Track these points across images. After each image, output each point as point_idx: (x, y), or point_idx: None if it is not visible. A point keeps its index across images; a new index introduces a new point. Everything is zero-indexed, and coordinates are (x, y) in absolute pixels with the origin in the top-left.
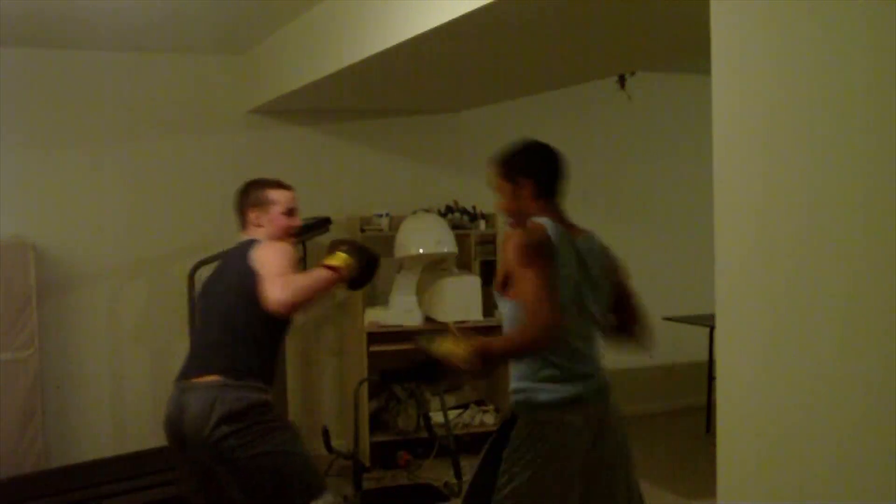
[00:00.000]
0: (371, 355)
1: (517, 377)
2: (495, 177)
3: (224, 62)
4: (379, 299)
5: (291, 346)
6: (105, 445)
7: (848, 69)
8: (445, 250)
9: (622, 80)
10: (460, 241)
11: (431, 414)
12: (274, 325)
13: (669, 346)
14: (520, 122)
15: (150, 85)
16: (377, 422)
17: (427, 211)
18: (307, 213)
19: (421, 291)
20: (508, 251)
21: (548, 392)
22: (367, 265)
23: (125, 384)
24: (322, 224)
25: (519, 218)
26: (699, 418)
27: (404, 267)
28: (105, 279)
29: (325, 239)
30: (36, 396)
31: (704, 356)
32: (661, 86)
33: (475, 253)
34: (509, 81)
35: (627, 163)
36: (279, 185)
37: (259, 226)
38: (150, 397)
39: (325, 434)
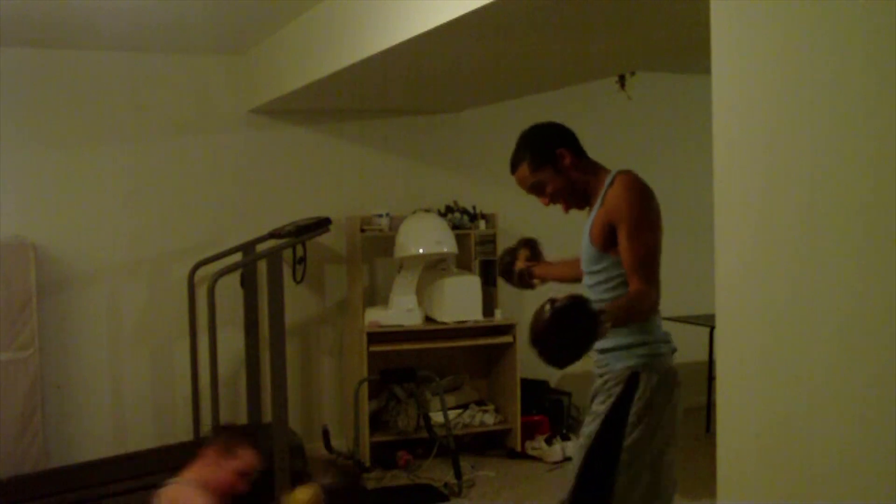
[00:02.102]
0: (371, 355)
1: (638, 332)
2: (529, 175)
3: (224, 62)
4: (379, 299)
5: (291, 346)
6: (105, 445)
7: (848, 69)
8: (445, 250)
9: (622, 80)
10: (460, 241)
11: (431, 414)
12: None
13: None
14: (520, 122)
15: (150, 85)
16: (377, 422)
17: (427, 211)
18: (307, 213)
19: (421, 291)
20: (623, 200)
21: (665, 345)
22: None
23: (125, 384)
24: (322, 224)
25: (579, 194)
26: (699, 418)
27: (404, 267)
28: (105, 279)
29: (325, 239)
30: (36, 396)
31: (704, 356)
32: (661, 86)
33: (475, 253)
34: (509, 81)
35: (627, 163)
36: (246, 447)
37: (207, 466)
38: (150, 397)
39: (325, 434)
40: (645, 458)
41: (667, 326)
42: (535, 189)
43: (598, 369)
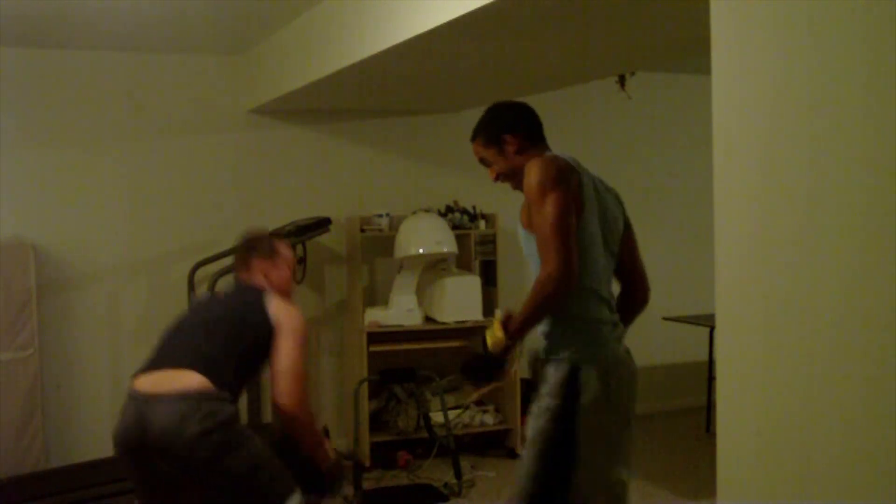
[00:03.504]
0: (371, 355)
1: (570, 320)
2: (479, 149)
3: (224, 62)
4: (379, 299)
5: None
6: (105, 445)
7: (848, 69)
8: (445, 250)
9: (622, 80)
10: (460, 241)
11: (431, 414)
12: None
13: (669, 346)
14: None
15: (150, 85)
16: (377, 422)
17: (427, 211)
18: (307, 213)
19: (421, 291)
20: (525, 185)
21: (602, 330)
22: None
23: (125, 384)
24: (322, 224)
25: (517, 177)
26: (699, 418)
27: (404, 267)
28: (105, 279)
29: (325, 239)
30: (36, 396)
31: (704, 356)
32: (661, 86)
33: (475, 253)
34: (509, 81)
35: (627, 163)
36: (285, 242)
37: (267, 276)
38: None
39: (325, 434)
40: (600, 444)
41: (667, 326)
42: (483, 163)
43: (542, 354)
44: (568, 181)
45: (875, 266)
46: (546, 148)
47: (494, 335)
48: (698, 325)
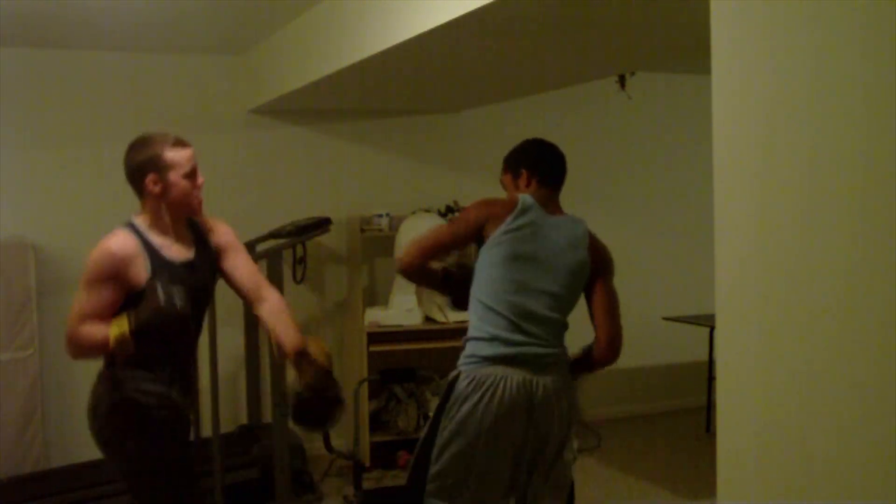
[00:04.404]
0: (371, 355)
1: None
2: (502, 173)
3: (224, 62)
4: (379, 299)
5: None
6: None
7: (848, 69)
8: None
9: (622, 80)
10: None
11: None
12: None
13: (669, 346)
14: (520, 122)
15: (150, 85)
16: (377, 422)
17: (427, 211)
18: (307, 213)
19: (421, 291)
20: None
21: (487, 350)
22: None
23: None
24: (322, 224)
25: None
26: (699, 418)
27: None
28: None
29: (325, 239)
30: (36, 396)
31: (704, 356)
32: (661, 86)
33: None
34: (509, 81)
35: (627, 163)
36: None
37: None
38: None
39: (325, 434)
40: (455, 461)
41: (667, 326)
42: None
43: None
44: (487, 212)
45: (875, 266)
46: (545, 193)
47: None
48: (698, 325)
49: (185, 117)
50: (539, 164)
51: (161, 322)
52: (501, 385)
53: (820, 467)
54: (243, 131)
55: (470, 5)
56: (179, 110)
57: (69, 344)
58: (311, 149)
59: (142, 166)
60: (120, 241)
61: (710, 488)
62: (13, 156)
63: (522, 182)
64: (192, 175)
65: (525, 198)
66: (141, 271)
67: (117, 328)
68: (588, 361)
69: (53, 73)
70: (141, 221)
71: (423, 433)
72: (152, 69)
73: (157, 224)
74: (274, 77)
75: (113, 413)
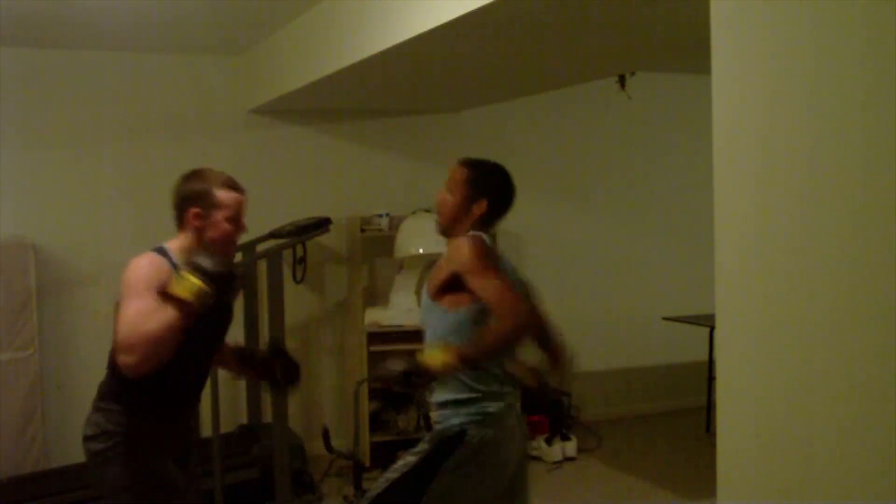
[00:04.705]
0: (371, 355)
1: (461, 389)
2: (462, 181)
3: (224, 62)
4: (379, 299)
5: (291, 345)
6: None
7: (847, 69)
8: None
9: (622, 80)
10: None
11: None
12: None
13: (669, 346)
14: (520, 122)
15: (149, 85)
16: (377, 422)
17: (427, 211)
18: (307, 213)
19: (421, 291)
20: (459, 257)
21: (494, 404)
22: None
23: None
24: (322, 224)
25: (452, 227)
26: (699, 418)
27: (404, 267)
28: (105, 279)
29: (325, 239)
30: (36, 396)
31: (704, 356)
32: (661, 86)
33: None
34: (509, 81)
35: (627, 163)
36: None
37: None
38: None
39: (325, 434)
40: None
41: (667, 326)
42: (450, 189)
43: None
44: (496, 262)
45: (874, 266)
46: (489, 229)
47: (438, 357)
48: (698, 325)
49: (184, 117)
50: (502, 209)
51: (222, 280)
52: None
53: (820, 467)
54: (243, 131)
55: (470, 5)
56: (179, 110)
57: (135, 351)
58: (311, 149)
59: (189, 197)
60: (153, 258)
61: (710, 488)
62: (13, 156)
63: (476, 209)
64: (236, 219)
65: (488, 240)
66: None
67: (185, 283)
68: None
69: (53, 73)
70: (172, 247)
71: (400, 477)
72: (152, 69)
73: (187, 252)
74: (274, 77)
75: (125, 491)
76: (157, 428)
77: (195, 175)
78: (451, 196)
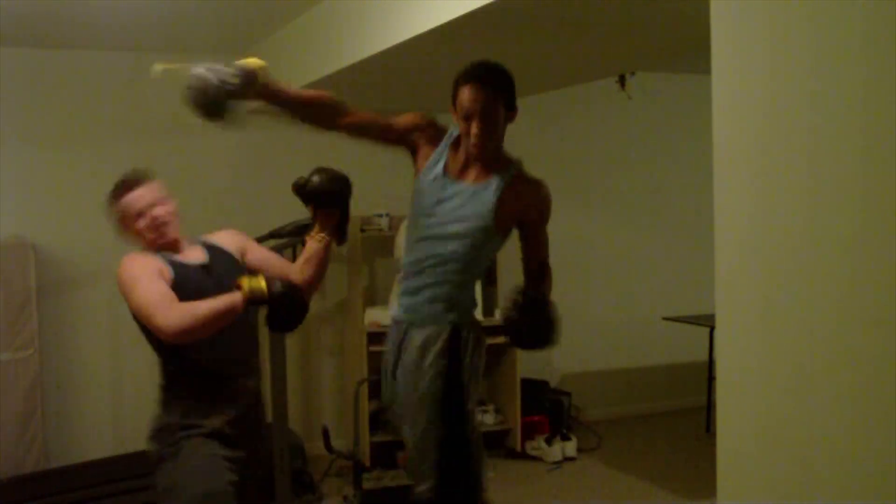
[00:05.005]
0: (371, 355)
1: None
2: (497, 104)
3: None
4: (379, 299)
5: (291, 345)
6: (105, 445)
7: (847, 69)
8: None
9: (622, 80)
10: None
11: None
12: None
13: (669, 346)
14: (520, 121)
15: (149, 85)
16: (377, 422)
17: None
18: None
19: None
20: (538, 204)
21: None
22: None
23: (125, 384)
24: None
25: (493, 158)
26: (699, 418)
27: None
28: (105, 279)
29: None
30: (36, 396)
31: (704, 356)
32: (661, 86)
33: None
34: None
35: (627, 163)
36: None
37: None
38: (150, 397)
39: (325, 434)
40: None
41: (667, 326)
42: (482, 116)
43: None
44: None
45: (874, 266)
46: None
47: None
48: (698, 325)
49: (184, 117)
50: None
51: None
52: None
53: (819, 467)
54: (243, 131)
55: (470, 5)
56: (179, 110)
57: (177, 322)
58: (311, 149)
59: (115, 225)
60: (137, 253)
61: (710, 488)
62: (13, 156)
63: (507, 126)
64: (143, 213)
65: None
66: (166, 273)
67: (254, 282)
68: None
69: (53, 73)
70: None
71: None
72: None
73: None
74: (273, 77)
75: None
76: (197, 407)
77: (106, 204)
78: (492, 127)
